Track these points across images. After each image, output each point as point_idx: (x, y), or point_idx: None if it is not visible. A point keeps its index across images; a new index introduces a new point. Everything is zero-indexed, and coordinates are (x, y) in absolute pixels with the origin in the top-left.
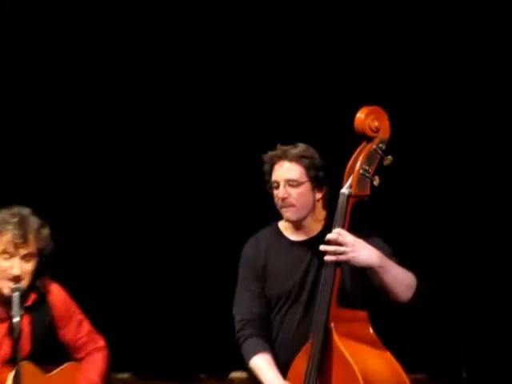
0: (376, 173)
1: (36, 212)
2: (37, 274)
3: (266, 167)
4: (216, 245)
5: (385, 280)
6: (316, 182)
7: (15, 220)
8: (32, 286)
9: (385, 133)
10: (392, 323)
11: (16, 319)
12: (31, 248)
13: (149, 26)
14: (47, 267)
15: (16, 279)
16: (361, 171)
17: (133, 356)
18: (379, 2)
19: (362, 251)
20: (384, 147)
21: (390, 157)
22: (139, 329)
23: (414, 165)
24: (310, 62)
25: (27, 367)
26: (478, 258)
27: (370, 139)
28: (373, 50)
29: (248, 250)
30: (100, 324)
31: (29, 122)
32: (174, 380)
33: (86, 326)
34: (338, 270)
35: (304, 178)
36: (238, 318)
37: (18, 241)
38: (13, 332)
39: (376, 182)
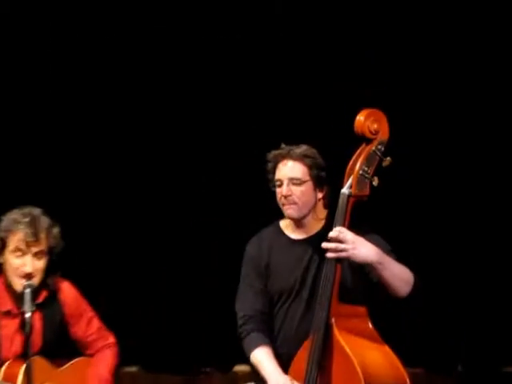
0: (375, 173)
1: (46, 212)
2: (48, 271)
3: (270, 166)
4: (218, 243)
5: (383, 276)
6: (318, 182)
7: (27, 219)
8: (43, 284)
9: (384, 135)
10: (391, 318)
11: (27, 315)
12: (42, 246)
13: (149, 26)
14: (58, 265)
15: (28, 276)
16: (360, 172)
17: (140, 350)
18: (379, 2)
19: (362, 248)
20: (383, 149)
21: (388, 158)
22: (147, 325)
23: (413, 165)
24: (310, 62)
25: (38, 362)
26: (474, 254)
27: (369, 141)
28: (373, 50)
29: (251, 248)
30: (109, 320)
31: (36, 125)
32: (179, 373)
33: (96, 323)
34: (339, 267)
35: (307, 177)
36: (240, 313)
37: (30, 239)
38: (24, 327)
39: (375, 183)
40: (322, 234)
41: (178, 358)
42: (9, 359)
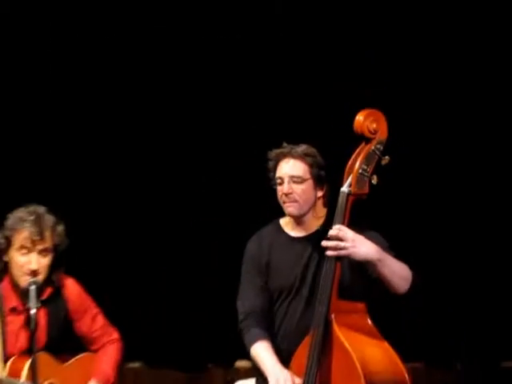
0: (374, 172)
1: (51, 210)
2: (52, 268)
3: (271, 164)
4: (218, 242)
5: (383, 273)
6: (318, 180)
7: (32, 218)
8: (48, 280)
9: (382, 134)
10: (389, 314)
11: (33, 311)
12: (47, 244)
13: (149, 26)
14: (62, 262)
15: (33, 273)
16: (360, 171)
17: (143, 346)
18: (379, 2)
19: (362, 246)
20: (382, 148)
21: (387, 157)
22: (150, 321)
23: (412, 164)
24: (310, 62)
25: (43, 357)
26: (472, 250)
27: (368, 140)
28: (373, 50)
29: (251, 246)
30: (112, 316)
31: (41, 124)
32: (182, 369)
33: (101, 319)
34: (339, 265)
35: (307, 176)
36: (241, 310)
37: (35, 237)
38: (29, 324)
39: (374, 181)
40: (322, 232)
41: (180, 353)
42: (14, 355)
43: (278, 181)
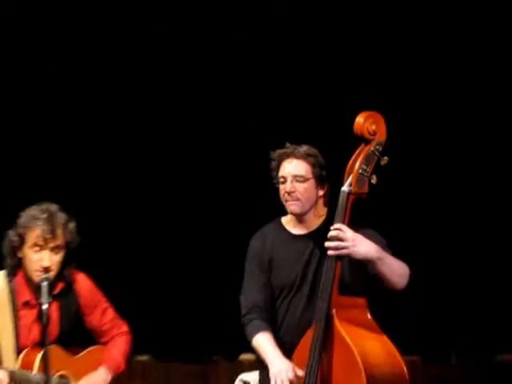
0: (373, 172)
1: (63, 208)
2: (64, 264)
3: (274, 164)
4: (224, 239)
5: (382, 271)
6: (319, 180)
7: (44, 216)
8: (59, 276)
9: (382, 136)
10: (388, 309)
11: (45, 306)
12: (59, 241)
13: (149, 26)
14: (73, 258)
15: (46, 270)
16: (360, 171)
17: (152, 340)
18: (379, 2)
19: (362, 246)
20: (381, 149)
21: (386, 157)
22: (158, 316)
23: (411, 164)
24: (310, 62)
25: (55, 350)
26: (469, 245)
27: (368, 141)
28: (373, 50)
29: (255, 243)
30: (121, 310)
31: (49, 124)
32: (188, 361)
33: (111, 313)
34: (339, 263)
35: (310, 175)
36: (244, 304)
37: (48, 235)
38: (42, 318)
39: (374, 181)
40: (322, 230)
41: (187, 346)
42: (27, 347)
43: (281, 180)
